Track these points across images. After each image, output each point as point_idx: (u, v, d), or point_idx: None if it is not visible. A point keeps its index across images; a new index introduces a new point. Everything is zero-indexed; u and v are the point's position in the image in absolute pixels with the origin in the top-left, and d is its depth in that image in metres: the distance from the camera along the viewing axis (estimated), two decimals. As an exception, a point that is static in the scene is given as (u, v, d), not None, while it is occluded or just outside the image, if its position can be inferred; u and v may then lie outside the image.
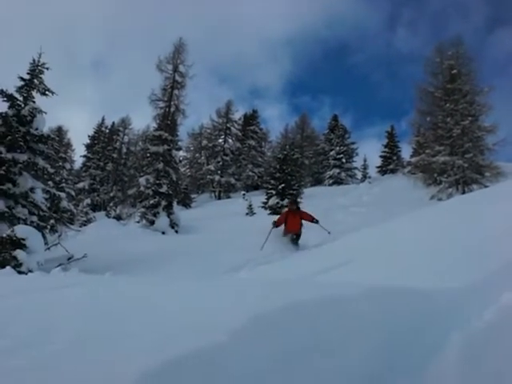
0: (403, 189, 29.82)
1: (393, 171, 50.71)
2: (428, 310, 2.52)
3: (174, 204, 25.02)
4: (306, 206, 27.58)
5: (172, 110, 45.05)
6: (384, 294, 2.62)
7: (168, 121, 32.63)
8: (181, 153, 42.17)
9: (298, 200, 21.29)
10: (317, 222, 13.43)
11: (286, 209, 14.51)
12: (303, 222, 13.40)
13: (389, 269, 4.50)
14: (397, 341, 2.19)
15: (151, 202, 24.19)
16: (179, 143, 35.84)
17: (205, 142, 58.06)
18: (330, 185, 49.42)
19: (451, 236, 5.11)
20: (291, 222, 13.29)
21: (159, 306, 2.28)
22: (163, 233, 22.70)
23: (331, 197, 31.50)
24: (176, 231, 23.59)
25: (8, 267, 9.99)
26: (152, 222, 23.58)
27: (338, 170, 51.50)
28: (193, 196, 45.41)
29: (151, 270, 11.98)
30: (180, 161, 34.20)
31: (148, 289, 3.25)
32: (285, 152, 33.60)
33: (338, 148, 52.75)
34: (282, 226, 13.43)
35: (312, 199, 30.83)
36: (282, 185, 29.58)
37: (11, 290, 3.30)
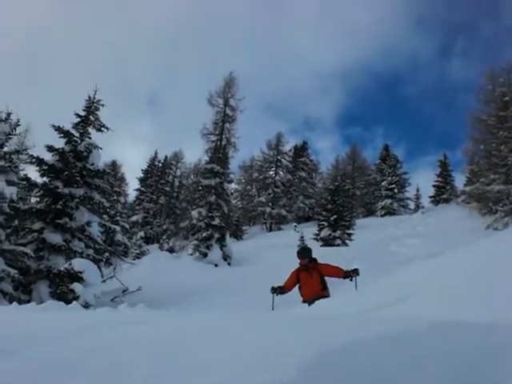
0: (458, 219, 29.23)
1: (446, 201, 49.84)
2: (494, 344, 2.48)
3: (227, 236, 25.23)
4: (358, 237, 27.42)
5: (223, 143, 45.85)
6: (448, 327, 2.59)
7: (219, 154, 33.18)
8: (232, 185, 42.96)
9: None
10: (350, 276, 8.45)
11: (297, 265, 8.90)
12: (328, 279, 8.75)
13: (448, 302, 4.42)
14: (463, 376, 2.17)
15: (204, 234, 24.48)
16: (231, 176, 36.48)
17: (256, 175, 58.54)
18: (382, 215, 48.85)
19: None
20: (306, 283, 8.53)
21: (226, 341, 2.33)
22: (216, 265, 22.86)
23: (384, 228, 31.09)
24: (229, 263, 23.73)
25: (74, 302, 10.23)
26: (205, 255, 23.80)
27: (390, 201, 50.78)
28: (244, 228, 45.64)
29: (208, 303, 12.10)
30: (231, 193, 34.70)
31: (212, 324, 3.32)
32: (336, 183, 33.62)
33: (389, 178, 52.08)
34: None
35: (364, 230, 30.54)
36: (334, 216, 29.43)
37: (82, 326, 3.41)
